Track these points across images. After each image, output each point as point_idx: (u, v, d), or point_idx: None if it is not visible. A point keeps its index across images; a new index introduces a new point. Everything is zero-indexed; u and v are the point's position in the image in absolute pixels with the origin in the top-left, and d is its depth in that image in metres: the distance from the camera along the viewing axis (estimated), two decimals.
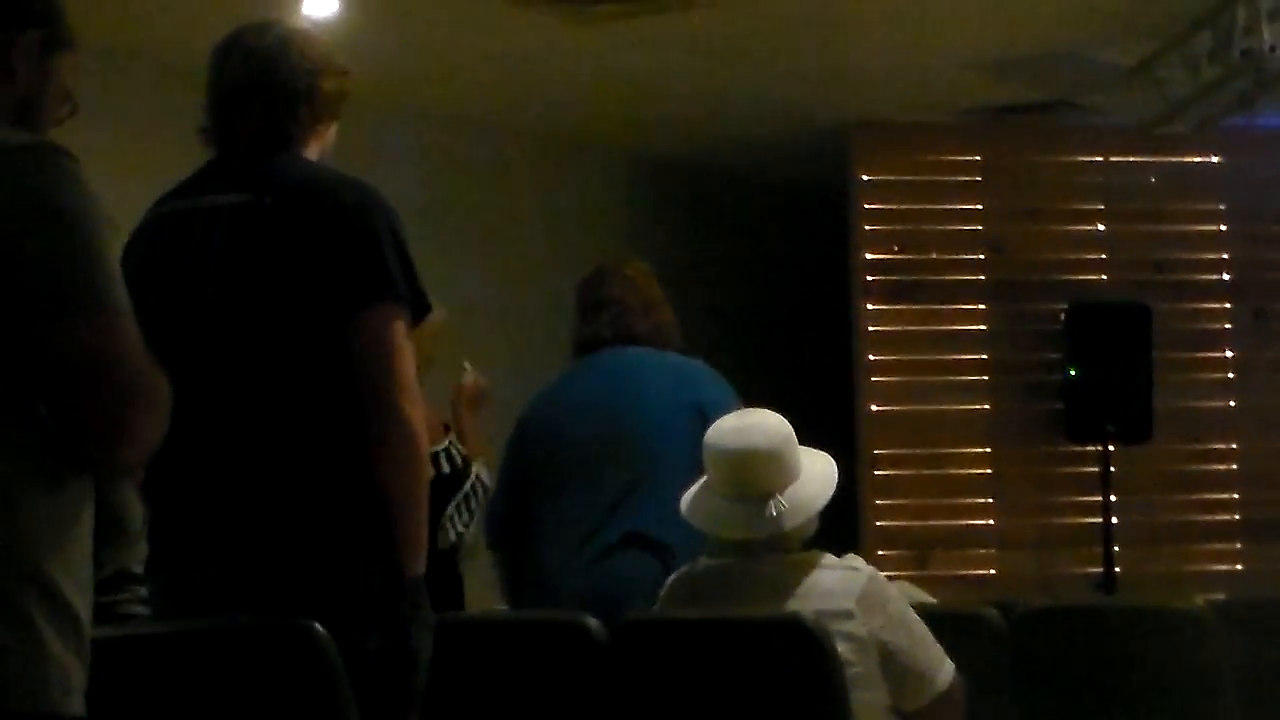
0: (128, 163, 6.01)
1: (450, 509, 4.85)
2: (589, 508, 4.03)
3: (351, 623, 2.79)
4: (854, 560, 3.36)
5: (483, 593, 4.86)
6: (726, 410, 3.80)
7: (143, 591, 3.46)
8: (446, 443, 4.89)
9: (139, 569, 3.47)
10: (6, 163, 1.97)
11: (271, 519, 2.85)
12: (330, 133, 3.09)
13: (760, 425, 3.37)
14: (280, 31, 3.06)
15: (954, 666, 3.32)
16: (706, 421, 3.91)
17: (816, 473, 3.39)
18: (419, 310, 2.93)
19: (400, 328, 2.87)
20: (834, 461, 3.45)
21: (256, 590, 2.81)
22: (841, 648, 3.15)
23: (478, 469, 4.92)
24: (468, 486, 4.90)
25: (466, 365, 4.98)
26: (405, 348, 2.87)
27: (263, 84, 2.99)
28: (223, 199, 2.95)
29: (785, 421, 3.40)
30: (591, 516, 4.02)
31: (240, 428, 2.88)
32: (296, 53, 3.02)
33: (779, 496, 3.30)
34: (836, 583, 3.26)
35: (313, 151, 3.04)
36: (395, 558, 2.82)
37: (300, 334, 2.86)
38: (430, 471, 2.94)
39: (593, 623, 3.36)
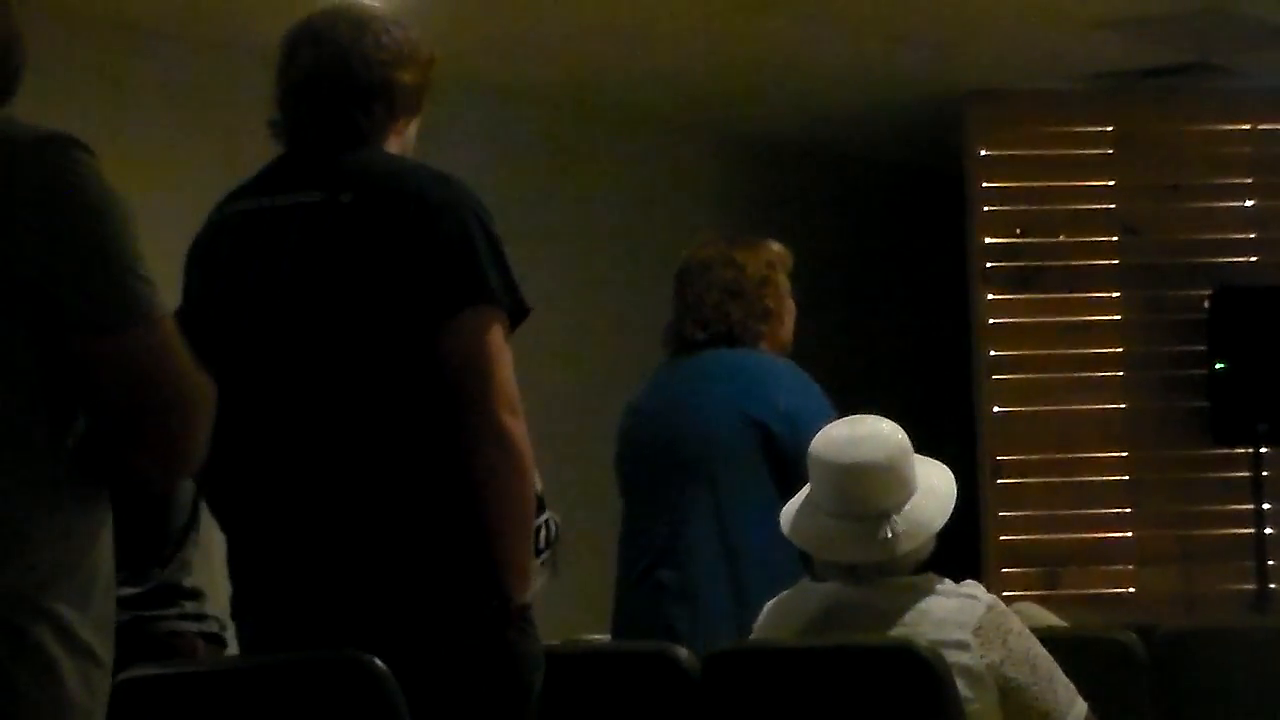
0: (176, 148, 6.10)
1: None
2: (642, 527, 4.16)
3: (458, 655, 2.82)
4: (973, 587, 3.33)
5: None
6: (804, 422, 3.83)
7: (190, 607, 3.51)
8: None
9: (187, 581, 3.52)
10: (21, 159, 1.98)
11: (368, 549, 2.86)
12: (411, 129, 3.07)
13: (872, 435, 3.35)
14: (354, 17, 3.03)
15: (1086, 706, 3.29)
16: (773, 437, 3.95)
17: (933, 487, 3.36)
18: (517, 314, 2.92)
19: (498, 333, 2.87)
20: (952, 473, 3.42)
21: (352, 628, 2.82)
22: (955, 682, 3.13)
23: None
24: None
25: None
26: (504, 355, 2.87)
27: (333, 76, 2.98)
28: (295, 198, 2.95)
29: (899, 429, 3.38)
30: (640, 539, 4.14)
31: (326, 449, 2.88)
32: (372, 41, 2.99)
33: (895, 517, 3.28)
34: (952, 611, 3.24)
35: (392, 147, 3.03)
36: (501, 584, 2.84)
37: (388, 343, 2.86)
38: (538, 488, 2.95)
39: (683, 653, 3.37)
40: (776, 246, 4.35)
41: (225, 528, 3.04)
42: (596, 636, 4.41)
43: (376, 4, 3.21)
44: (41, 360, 1.96)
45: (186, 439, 2.01)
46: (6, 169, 1.97)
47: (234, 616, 3.06)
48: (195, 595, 3.57)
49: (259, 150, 3.11)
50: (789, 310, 4.29)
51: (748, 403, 4.09)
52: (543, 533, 4.88)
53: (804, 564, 3.62)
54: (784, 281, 4.29)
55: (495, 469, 2.83)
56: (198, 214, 3.11)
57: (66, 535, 1.98)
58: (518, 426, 2.85)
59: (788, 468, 4.00)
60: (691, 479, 4.11)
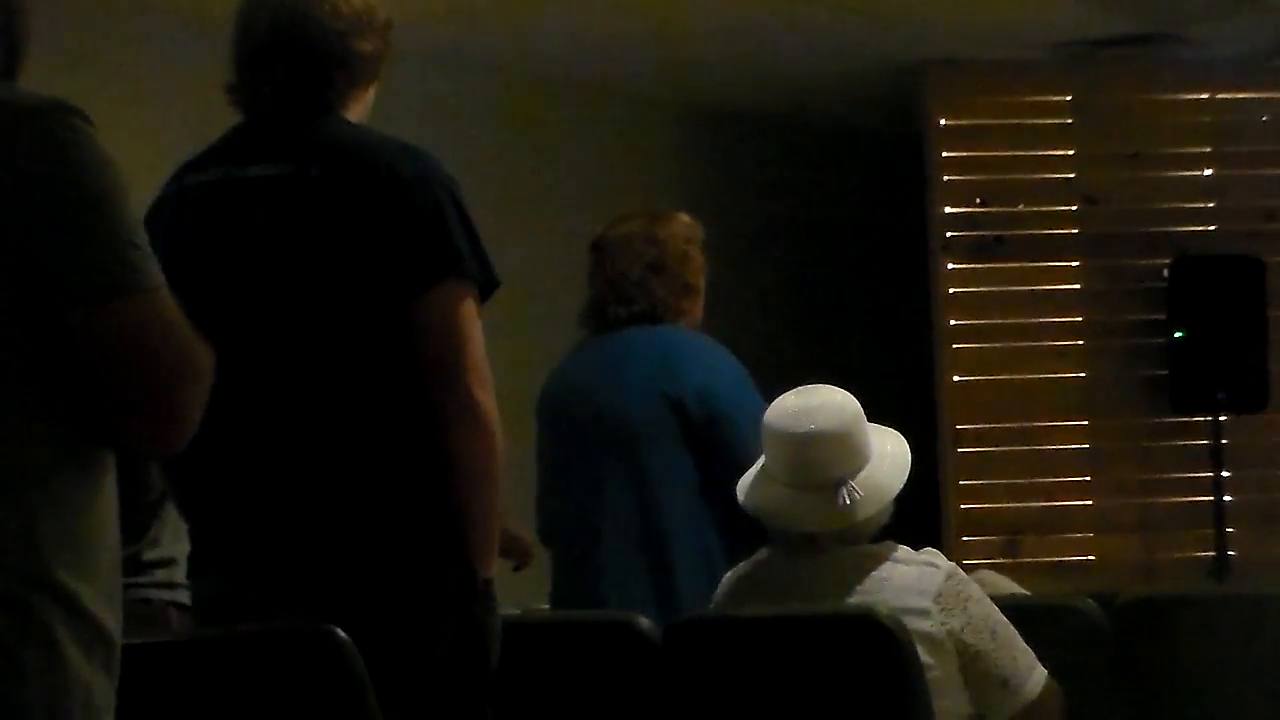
0: (138, 118, 6.06)
1: None
2: (567, 509, 4.17)
3: (420, 626, 2.83)
4: (932, 555, 3.35)
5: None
6: (719, 396, 3.86)
7: (160, 575, 3.52)
8: None
9: (157, 553, 3.54)
10: (19, 127, 1.98)
11: (332, 516, 2.87)
12: (369, 96, 3.08)
13: (825, 404, 3.36)
14: None
15: (1046, 673, 3.31)
16: (688, 413, 3.96)
17: (888, 453, 3.38)
18: (487, 287, 2.93)
19: (470, 307, 2.88)
20: (906, 441, 3.44)
21: (315, 594, 2.84)
22: (916, 649, 3.14)
23: None
24: None
25: None
26: (476, 329, 2.88)
27: (291, 46, 2.97)
28: (261, 169, 2.94)
29: (852, 398, 3.39)
30: (571, 514, 4.14)
31: (294, 421, 2.89)
32: (329, 9, 2.99)
33: (851, 482, 3.30)
34: (912, 578, 3.25)
35: (352, 115, 3.03)
36: (466, 556, 2.85)
37: (358, 318, 2.86)
38: (502, 462, 2.95)
39: (644, 622, 3.38)
40: (688, 219, 4.29)
41: (185, 496, 3.04)
42: (542, 607, 4.41)
43: None
44: (35, 330, 1.95)
45: (184, 407, 2.01)
46: (5, 136, 1.97)
47: (191, 575, 3.06)
48: (167, 564, 3.58)
49: (225, 119, 3.10)
50: (702, 285, 4.27)
51: (666, 381, 4.06)
52: None
53: (759, 535, 3.65)
54: (699, 256, 4.26)
55: (464, 442, 2.84)
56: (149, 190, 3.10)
57: (66, 505, 1.97)
58: (488, 400, 2.86)
59: (707, 440, 4.02)
60: (613, 459, 4.09)
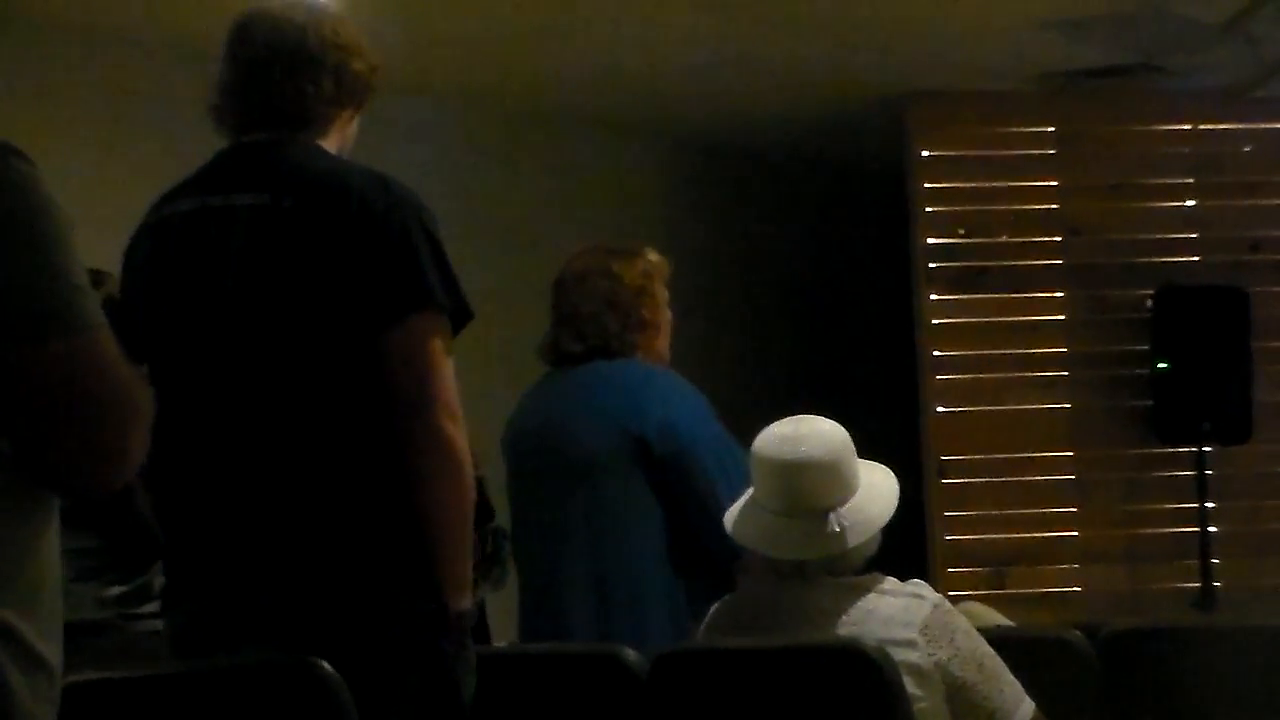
0: (110, 147, 6.06)
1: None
2: (530, 549, 4.15)
3: (391, 661, 2.82)
4: (919, 586, 3.34)
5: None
6: (683, 428, 3.85)
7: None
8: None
9: (160, 584, 3.55)
10: None
11: (302, 549, 2.87)
12: (353, 126, 3.12)
13: (814, 433, 3.37)
14: (311, 4, 3.12)
15: (1034, 705, 3.30)
16: (649, 448, 3.95)
17: (875, 484, 3.38)
18: (460, 319, 2.93)
19: (440, 338, 2.89)
20: (894, 475, 3.44)
21: (285, 626, 2.83)
22: (903, 680, 3.14)
23: None
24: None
25: None
26: (445, 361, 2.89)
27: (288, 52, 3.02)
28: (236, 199, 2.96)
29: (840, 428, 3.40)
30: (539, 553, 4.12)
31: (266, 453, 2.89)
32: (329, 27, 3.07)
33: (840, 510, 3.30)
34: (898, 610, 3.25)
35: (332, 142, 3.06)
36: (437, 589, 2.85)
37: (330, 349, 2.87)
38: (474, 495, 2.95)
39: (630, 654, 3.37)
40: (654, 256, 4.26)
41: (164, 526, 3.04)
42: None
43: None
44: None
45: (121, 446, 2.00)
46: None
47: (164, 609, 3.05)
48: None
49: (194, 152, 3.11)
50: (666, 320, 4.22)
51: (625, 417, 4.03)
52: (489, 541, 4.87)
53: (724, 573, 3.65)
54: (661, 292, 4.23)
55: (434, 474, 2.84)
56: (128, 219, 3.10)
57: (9, 544, 1.97)
58: (457, 432, 2.87)
59: (669, 475, 3.98)
60: (574, 495, 4.06)
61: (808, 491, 3.32)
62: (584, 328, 4.14)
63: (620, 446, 4.02)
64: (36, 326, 1.95)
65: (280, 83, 3.01)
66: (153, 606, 3.56)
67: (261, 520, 2.88)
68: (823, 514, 3.30)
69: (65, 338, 1.96)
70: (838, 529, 3.28)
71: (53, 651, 2.01)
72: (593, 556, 4.04)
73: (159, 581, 3.59)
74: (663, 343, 4.23)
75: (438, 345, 2.88)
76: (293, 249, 2.89)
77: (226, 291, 2.92)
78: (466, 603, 2.89)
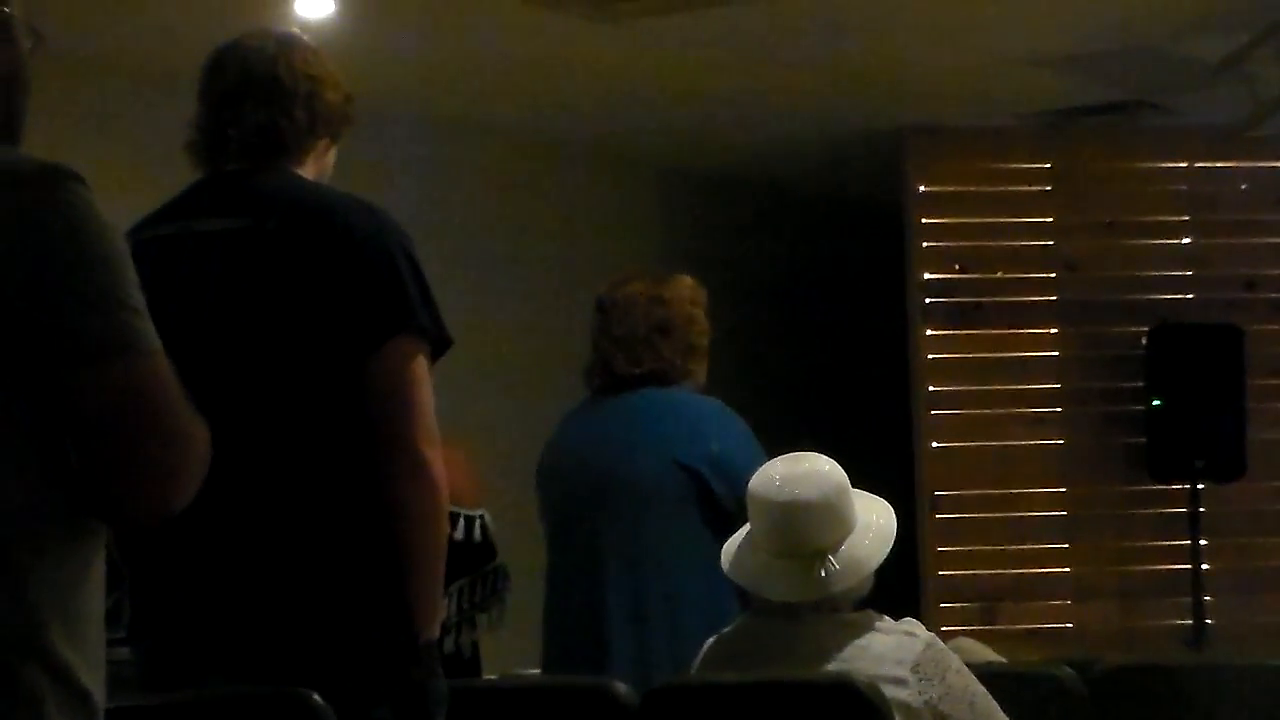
0: (108, 177, 6.06)
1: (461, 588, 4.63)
2: (567, 576, 4.12)
3: (359, 691, 2.80)
4: (911, 625, 3.33)
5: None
6: (738, 469, 3.83)
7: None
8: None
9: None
10: (20, 192, 1.98)
11: (272, 575, 2.86)
12: (329, 156, 3.11)
13: (810, 474, 3.34)
14: (282, 36, 3.12)
15: None
16: (707, 484, 3.92)
17: (872, 524, 3.36)
18: (440, 344, 2.93)
19: (421, 364, 2.89)
20: (892, 510, 3.42)
21: (254, 656, 2.82)
22: (894, 717, 3.13)
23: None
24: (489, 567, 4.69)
25: None
26: (425, 385, 2.88)
27: (259, 83, 3.01)
28: (217, 223, 2.96)
29: (838, 467, 3.37)
30: (577, 580, 4.08)
31: (240, 476, 2.85)
32: (300, 58, 3.06)
33: (830, 557, 3.28)
34: (890, 647, 3.24)
35: (309, 171, 3.06)
36: (409, 619, 2.83)
37: (309, 372, 2.87)
38: (448, 526, 2.94)
39: (621, 688, 3.36)
40: (691, 281, 4.27)
41: (130, 553, 3.01)
42: (533, 671, 4.38)
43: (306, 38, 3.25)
44: (31, 394, 1.95)
45: (181, 472, 2.00)
46: (5, 201, 1.97)
47: (130, 638, 3.04)
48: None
49: (178, 179, 3.11)
50: (695, 343, 4.24)
51: (680, 447, 4.03)
52: (491, 580, 4.80)
53: (741, 601, 3.62)
54: (704, 319, 4.24)
55: (411, 501, 2.84)
56: None
57: (59, 574, 1.96)
58: (436, 459, 2.86)
59: (725, 515, 3.96)
60: (620, 524, 4.05)
61: (800, 534, 3.29)
62: (640, 353, 4.13)
63: (672, 476, 4.01)
64: (98, 349, 1.95)
65: (251, 115, 3.00)
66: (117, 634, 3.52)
67: (233, 548, 2.87)
68: (813, 556, 3.28)
69: (125, 360, 1.96)
70: (825, 574, 3.27)
71: (96, 682, 1.99)
72: (635, 586, 4.02)
73: (125, 610, 3.58)
74: (704, 370, 4.23)
75: (418, 369, 2.88)
76: (275, 273, 2.89)
77: (206, 315, 2.91)
78: (436, 631, 2.88)
